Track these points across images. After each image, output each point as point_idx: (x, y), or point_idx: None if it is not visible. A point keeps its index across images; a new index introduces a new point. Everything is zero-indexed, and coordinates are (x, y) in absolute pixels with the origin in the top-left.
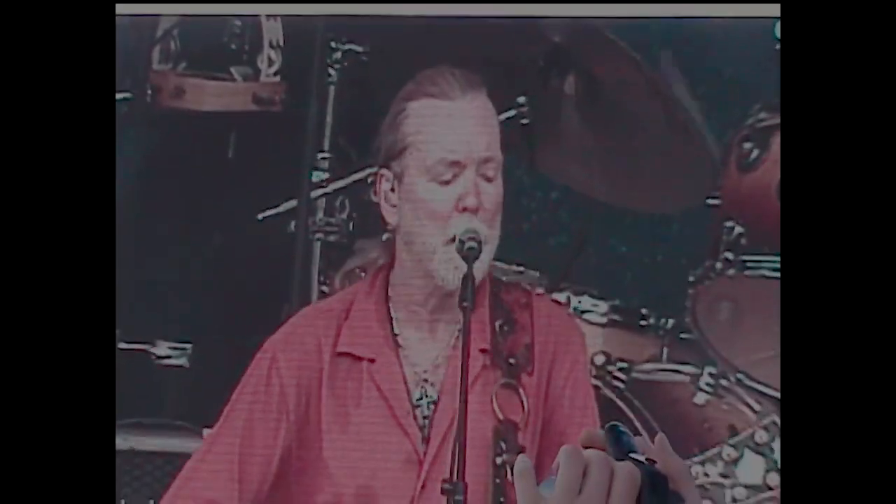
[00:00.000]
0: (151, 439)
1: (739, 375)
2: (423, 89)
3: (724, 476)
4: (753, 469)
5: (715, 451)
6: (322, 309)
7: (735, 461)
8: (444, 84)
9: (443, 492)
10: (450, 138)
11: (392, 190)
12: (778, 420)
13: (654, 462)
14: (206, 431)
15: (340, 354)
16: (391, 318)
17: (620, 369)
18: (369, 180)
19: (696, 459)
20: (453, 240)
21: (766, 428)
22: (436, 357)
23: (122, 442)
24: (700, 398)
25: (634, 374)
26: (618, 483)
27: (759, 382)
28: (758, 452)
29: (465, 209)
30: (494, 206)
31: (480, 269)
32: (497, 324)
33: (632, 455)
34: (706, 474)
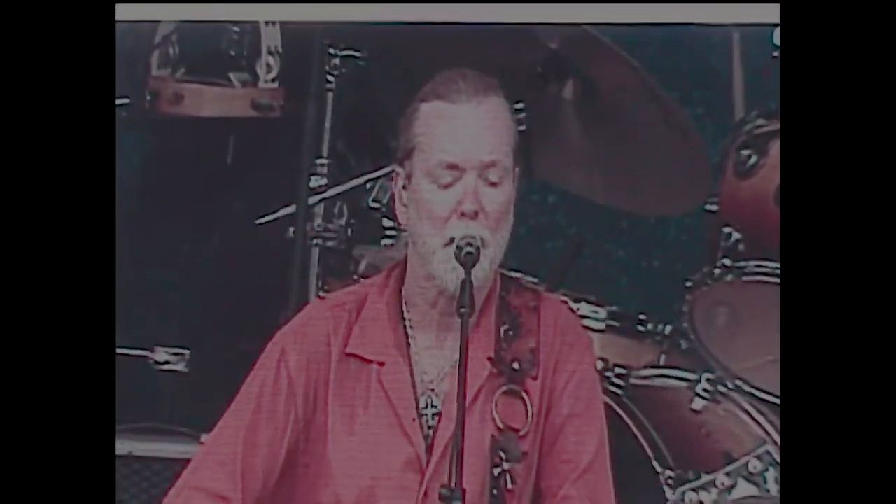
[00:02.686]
0: (150, 444)
1: (737, 381)
2: (435, 90)
3: (717, 503)
4: (745, 497)
5: (709, 478)
6: (333, 304)
7: (729, 489)
8: (454, 87)
9: (441, 497)
10: (450, 142)
11: (404, 188)
12: (771, 450)
13: None
14: (204, 437)
15: (349, 355)
16: (404, 320)
17: (618, 375)
18: (368, 186)
19: (689, 486)
20: (451, 242)
21: (759, 457)
22: (443, 367)
23: (121, 446)
24: (698, 404)
25: (632, 380)
26: None
27: (756, 388)
28: (751, 482)
29: (463, 214)
30: (498, 211)
31: (483, 274)
32: (502, 329)
33: None
34: (701, 502)
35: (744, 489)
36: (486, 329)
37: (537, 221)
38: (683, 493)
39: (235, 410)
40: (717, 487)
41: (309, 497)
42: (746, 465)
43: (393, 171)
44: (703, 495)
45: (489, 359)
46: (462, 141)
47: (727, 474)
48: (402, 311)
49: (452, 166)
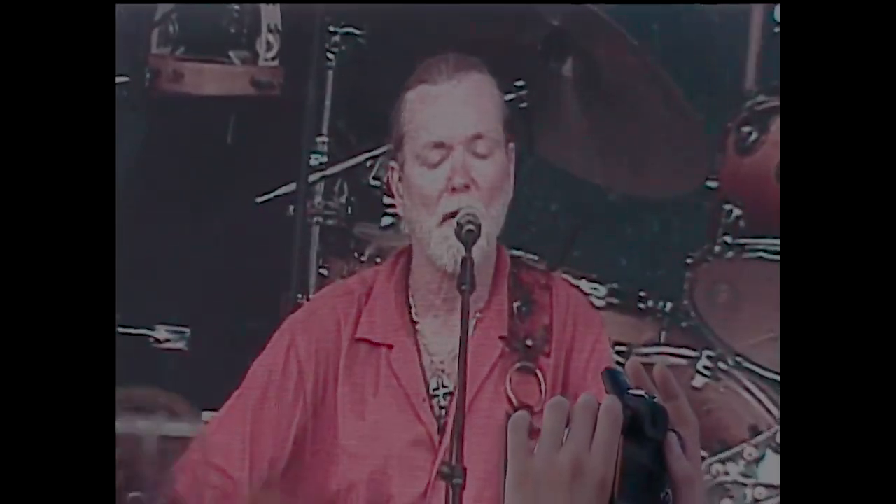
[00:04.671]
0: (150, 422)
1: (738, 358)
2: (419, 77)
3: (745, 475)
4: (774, 469)
5: (736, 449)
6: (343, 291)
7: (756, 461)
8: (434, 70)
9: (441, 475)
10: (433, 121)
11: (399, 180)
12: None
13: (654, 396)
14: (205, 415)
15: (359, 340)
16: (409, 306)
17: (619, 352)
18: (368, 164)
19: (716, 458)
20: (444, 219)
21: None
22: (453, 348)
23: (121, 425)
24: (698, 381)
25: (633, 357)
26: (600, 418)
27: (756, 365)
28: (779, 453)
29: (454, 189)
30: (490, 182)
31: (482, 250)
32: (515, 305)
33: (629, 392)
34: (727, 473)
35: (772, 461)
36: (497, 308)
37: (537, 201)
38: (710, 465)
39: (243, 395)
40: (744, 459)
41: (320, 480)
42: (774, 436)
43: (388, 151)
44: (729, 466)
45: (501, 337)
46: (445, 118)
47: (755, 446)
48: (408, 298)
49: (439, 144)
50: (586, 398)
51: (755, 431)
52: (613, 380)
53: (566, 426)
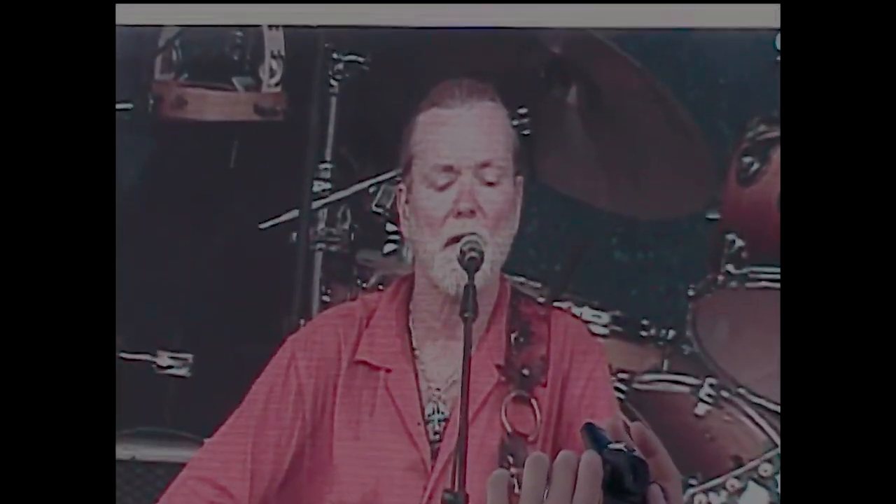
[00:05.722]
0: (152, 449)
1: (740, 389)
2: (430, 100)
3: None
4: (757, 501)
5: (719, 480)
6: (344, 313)
7: (739, 492)
8: (447, 94)
9: (444, 501)
10: (443, 144)
11: (406, 202)
12: None
13: (634, 450)
14: (207, 441)
15: (358, 362)
16: (410, 330)
17: (621, 380)
18: (371, 191)
19: (699, 488)
20: (448, 243)
21: (770, 461)
22: (451, 374)
23: (124, 451)
24: (701, 409)
25: (635, 385)
26: (580, 474)
27: (759, 396)
28: (762, 485)
29: (459, 213)
30: (497, 211)
31: (483, 276)
32: (513, 336)
33: (609, 447)
34: (709, 503)
35: (754, 493)
36: (496, 336)
37: (541, 228)
38: (693, 495)
39: (243, 412)
40: (726, 490)
41: (313, 500)
42: (757, 468)
43: (395, 178)
44: (712, 497)
45: (498, 366)
46: (455, 142)
47: (737, 477)
48: (409, 323)
49: (447, 168)
50: (565, 455)
51: (737, 462)
52: (592, 435)
53: (547, 482)
